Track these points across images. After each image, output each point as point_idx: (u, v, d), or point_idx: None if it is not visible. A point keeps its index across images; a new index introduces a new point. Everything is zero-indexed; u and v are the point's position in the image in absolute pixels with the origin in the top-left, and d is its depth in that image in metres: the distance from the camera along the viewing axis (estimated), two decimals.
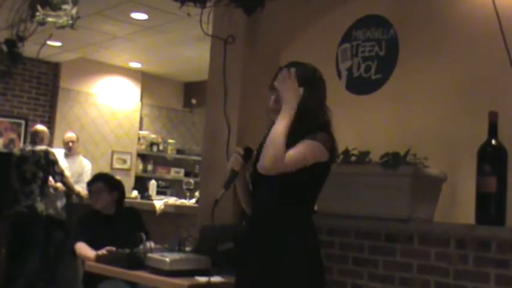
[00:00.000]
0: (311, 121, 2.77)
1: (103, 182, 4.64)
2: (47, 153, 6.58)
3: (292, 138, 2.68)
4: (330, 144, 2.77)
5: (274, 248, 2.74)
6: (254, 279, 2.79)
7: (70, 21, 3.99)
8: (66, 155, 7.34)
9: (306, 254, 2.73)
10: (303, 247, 2.74)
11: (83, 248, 4.24)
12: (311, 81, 2.85)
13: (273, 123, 2.75)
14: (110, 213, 4.56)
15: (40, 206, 6.48)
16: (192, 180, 6.53)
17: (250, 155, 2.86)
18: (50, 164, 6.56)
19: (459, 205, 3.43)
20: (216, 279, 3.31)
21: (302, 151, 2.68)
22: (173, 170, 10.53)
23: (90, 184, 4.71)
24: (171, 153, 10.58)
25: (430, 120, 3.67)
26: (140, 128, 10.44)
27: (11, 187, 6.47)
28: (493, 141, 3.07)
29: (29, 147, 6.66)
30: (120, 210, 4.63)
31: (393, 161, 3.26)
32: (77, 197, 6.75)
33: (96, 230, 4.37)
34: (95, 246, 4.10)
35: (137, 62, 9.73)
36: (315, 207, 3.01)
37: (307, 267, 2.71)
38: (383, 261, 3.41)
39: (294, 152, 2.65)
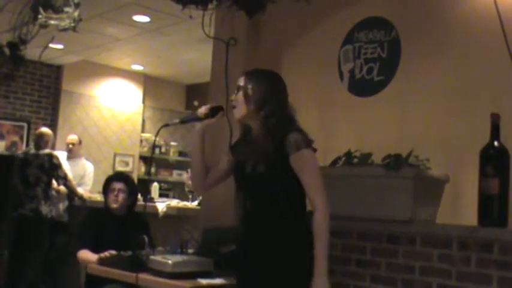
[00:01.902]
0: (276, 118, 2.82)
1: (125, 183, 4.60)
2: (50, 157, 6.58)
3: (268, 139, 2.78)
4: (307, 139, 2.80)
5: (270, 251, 2.78)
6: (251, 280, 2.81)
7: (72, 24, 4.00)
8: (68, 158, 7.36)
9: (304, 256, 2.74)
10: (299, 245, 2.75)
11: (85, 254, 4.22)
12: (270, 85, 2.90)
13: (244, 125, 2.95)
14: (119, 214, 4.55)
15: (44, 209, 6.49)
16: None
17: (217, 114, 2.99)
18: (53, 168, 6.57)
19: (461, 207, 3.43)
20: (218, 281, 3.32)
21: (313, 174, 2.77)
22: (175, 172, 10.53)
23: (111, 181, 4.64)
24: (173, 155, 10.59)
25: (432, 122, 3.67)
26: (142, 131, 10.44)
27: (14, 190, 6.47)
28: (495, 143, 3.06)
29: (32, 151, 6.66)
30: (130, 214, 4.61)
31: (395, 162, 3.26)
32: (79, 200, 6.75)
33: (103, 230, 4.36)
34: (100, 245, 4.10)
35: (139, 65, 9.74)
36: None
37: (306, 269, 2.71)
38: (385, 263, 3.40)
39: (315, 188, 2.76)
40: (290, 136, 2.75)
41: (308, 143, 2.78)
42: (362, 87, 4.01)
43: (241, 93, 2.87)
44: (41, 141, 6.74)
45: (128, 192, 4.55)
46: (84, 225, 4.57)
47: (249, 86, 2.85)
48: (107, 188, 4.60)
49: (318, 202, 2.73)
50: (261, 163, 2.79)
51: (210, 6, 3.90)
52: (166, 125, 3.03)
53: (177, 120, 3.04)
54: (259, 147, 2.79)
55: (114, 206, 4.51)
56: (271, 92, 2.85)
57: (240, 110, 2.88)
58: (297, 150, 2.73)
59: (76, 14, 4.00)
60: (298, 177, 2.76)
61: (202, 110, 2.96)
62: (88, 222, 4.58)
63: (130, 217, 4.59)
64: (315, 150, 2.84)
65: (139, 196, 6.43)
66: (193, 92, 10.82)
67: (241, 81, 2.89)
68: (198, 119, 2.98)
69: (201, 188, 3.16)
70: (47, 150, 6.69)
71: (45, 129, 7.06)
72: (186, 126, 10.18)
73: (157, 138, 10.53)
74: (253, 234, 2.86)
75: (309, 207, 2.87)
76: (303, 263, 2.71)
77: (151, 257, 3.47)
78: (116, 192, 4.52)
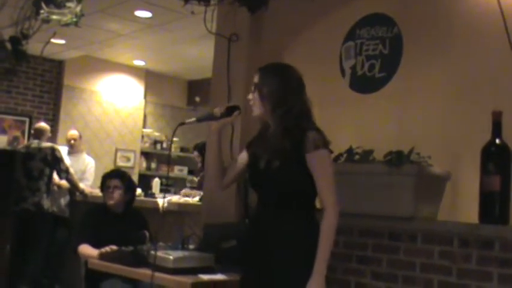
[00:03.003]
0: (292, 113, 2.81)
1: (121, 179, 4.60)
2: (53, 150, 6.60)
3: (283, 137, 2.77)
4: (324, 139, 2.80)
5: (278, 247, 2.77)
6: (258, 276, 2.81)
7: (74, 19, 4.00)
8: (69, 153, 7.36)
9: (310, 252, 2.73)
10: (307, 245, 2.74)
11: (85, 249, 4.23)
12: (285, 81, 2.88)
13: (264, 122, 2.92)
14: (118, 211, 4.56)
15: (46, 203, 6.50)
16: (195, 178, 6.53)
17: (232, 113, 2.96)
18: (56, 161, 6.58)
19: (463, 204, 3.43)
20: (219, 276, 3.32)
21: (328, 174, 2.76)
22: (177, 168, 10.53)
23: (106, 178, 4.65)
24: (174, 151, 10.58)
25: (434, 119, 3.66)
26: (144, 126, 10.45)
27: (16, 184, 6.48)
28: (497, 140, 3.07)
29: (34, 144, 6.67)
30: (128, 211, 4.62)
31: (397, 159, 3.26)
32: (80, 195, 6.76)
33: (101, 227, 4.36)
34: (98, 242, 4.10)
35: (141, 60, 9.74)
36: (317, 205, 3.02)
37: (311, 265, 2.71)
38: (386, 260, 3.41)
39: (328, 188, 2.75)
40: (309, 134, 2.75)
41: (325, 143, 2.79)
42: (364, 84, 4.01)
43: (257, 91, 2.86)
44: (41, 135, 6.76)
45: (124, 189, 4.56)
46: (83, 221, 4.58)
47: (264, 85, 2.84)
48: (103, 185, 4.61)
49: (329, 203, 2.73)
50: (276, 159, 2.78)
51: (212, 2, 3.91)
52: (182, 124, 3.01)
53: (193, 119, 3.03)
54: (276, 143, 2.78)
55: (111, 202, 4.53)
56: (287, 89, 2.84)
57: (257, 108, 2.87)
58: (314, 149, 2.73)
59: (78, 9, 4.00)
60: (311, 176, 2.76)
61: (218, 109, 2.95)
62: (87, 218, 4.58)
63: (128, 214, 4.59)
64: (331, 152, 2.85)
65: (140, 191, 6.48)
66: (195, 88, 10.81)
67: (256, 79, 2.88)
68: (214, 118, 2.96)
69: (219, 187, 3.11)
70: (49, 144, 6.72)
71: (43, 124, 7.09)
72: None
73: (158, 134, 10.56)
74: (262, 230, 2.84)
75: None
76: (310, 261, 2.70)
77: (153, 252, 3.47)
78: (111, 189, 4.53)
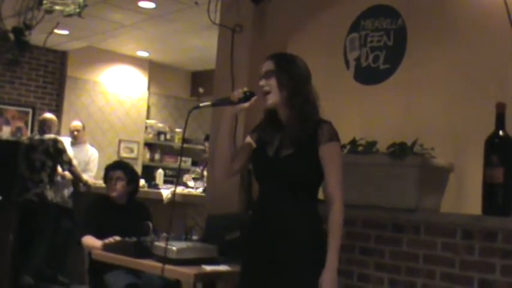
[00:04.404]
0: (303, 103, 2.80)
1: (123, 171, 4.60)
2: (55, 142, 6.60)
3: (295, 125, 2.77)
4: (337, 133, 2.80)
5: (282, 239, 2.75)
6: (260, 269, 2.80)
7: (77, 10, 4.00)
8: (73, 144, 7.36)
9: (316, 241, 2.73)
10: (312, 237, 2.75)
11: (89, 240, 4.24)
12: (295, 71, 2.87)
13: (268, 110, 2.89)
14: (121, 203, 4.56)
15: (50, 194, 6.52)
16: (198, 170, 6.54)
17: (250, 98, 2.89)
18: (58, 153, 6.59)
19: (466, 196, 3.43)
20: (223, 267, 3.32)
21: (339, 168, 2.77)
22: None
23: (109, 170, 4.65)
24: (178, 142, 10.58)
25: (438, 111, 3.66)
26: (147, 117, 10.44)
27: (19, 175, 6.49)
28: (501, 132, 3.07)
29: (37, 136, 6.68)
30: (131, 203, 4.62)
31: (400, 151, 3.26)
32: (84, 186, 6.77)
33: (104, 218, 4.36)
34: (102, 234, 4.11)
35: (144, 51, 9.73)
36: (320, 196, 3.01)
37: (316, 257, 2.71)
38: (389, 251, 3.41)
39: (337, 183, 2.76)
40: (324, 126, 2.76)
41: (338, 137, 2.80)
42: (368, 76, 4.01)
43: (274, 79, 2.83)
44: (44, 126, 6.76)
45: (127, 180, 4.56)
46: (86, 213, 4.58)
47: (283, 72, 2.82)
48: (106, 177, 4.62)
49: (337, 197, 2.73)
50: (289, 147, 2.77)
51: None
52: (197, 107, 2.96)
53: (208, 103, 2.99)
54: (293, 131, 2.77)
55: (114, 194, 4.52)
56: (303, 78, 2.85)
57: (274, 95, 2.82)
58: (328, 141, 2.74)
59: None
60: (320, 167, 2.75)
61: (236, 94, 2.91)
62: (90, 209, 4.58)
63: (132, 205, 4.59)
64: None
65: (143, 182, 6.49)
66: (199, 79, 10.80)
67: (271, 66, 2.84)
68: (231, 102, 2.90)
69: (227, 173, 3.02)
70: (52, 136, 6.71)
71: (48, 115, 7.09)
72: (193, 114, 10.03)
73: (162, 125, 10.56)
74: (267, 218, 2.81)
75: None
76: (315, 253, 2.70)
77: (156, 243, 3.48)
78: (114, 181, 4.53)
